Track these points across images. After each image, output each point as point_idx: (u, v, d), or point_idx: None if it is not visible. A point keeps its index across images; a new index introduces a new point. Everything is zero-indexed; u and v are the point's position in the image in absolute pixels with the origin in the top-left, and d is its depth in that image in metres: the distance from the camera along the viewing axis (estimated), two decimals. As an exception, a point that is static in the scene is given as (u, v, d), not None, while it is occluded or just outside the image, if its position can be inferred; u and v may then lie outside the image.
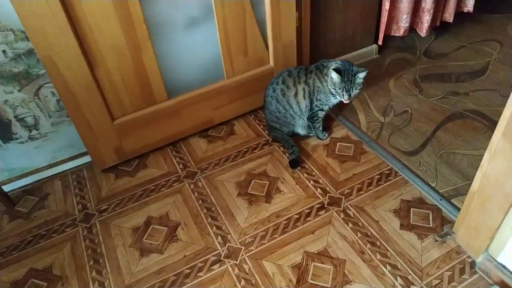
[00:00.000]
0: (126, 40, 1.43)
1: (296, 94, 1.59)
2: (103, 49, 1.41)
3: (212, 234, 1.40)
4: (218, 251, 1.34)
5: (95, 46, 1.39)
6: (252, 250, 1.33)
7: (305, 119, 1.65)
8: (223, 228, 1.41)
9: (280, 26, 1.70)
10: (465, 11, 2.18)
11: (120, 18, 1.38)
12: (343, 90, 1.49)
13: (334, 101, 1.60)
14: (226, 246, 1.35)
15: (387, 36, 2.18)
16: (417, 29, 2.12)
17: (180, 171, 1.65)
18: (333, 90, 1.52)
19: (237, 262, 1.30)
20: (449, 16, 2.14)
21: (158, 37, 1.51)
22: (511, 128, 0.95)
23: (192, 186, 1.58)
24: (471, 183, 1.16)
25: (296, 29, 1.75)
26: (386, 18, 1.94)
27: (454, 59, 2.13)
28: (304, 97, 1.59)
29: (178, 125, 1.73)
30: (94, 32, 1.36)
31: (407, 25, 2.03)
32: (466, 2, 2.15)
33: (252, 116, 1.90)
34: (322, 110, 1.63)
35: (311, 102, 1.60)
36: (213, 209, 1.48)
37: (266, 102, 1.66)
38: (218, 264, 1.30)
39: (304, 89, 1.58)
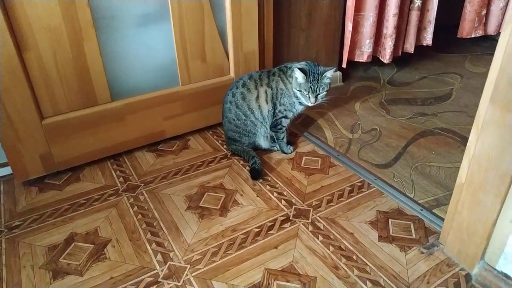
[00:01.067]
0: (65, 22, 1.25)
1: (257, 98, 1.44)
2: (36, 28, 1.22)
3: (150, 251, 1.11)
4: (155, 271, 1.05)
5: (25, 23, 1.20)
6: (200, 269, 1.06)
7: (268, 127, 1.48)
8: (165, 245, 1.13)
9: (241, 34, 1.60)
10: (425, 44, 2.22)
11: (60, -4, 1.22)
12: (309, 91, 1.35)
13: (298, 107, 1.46)
14: (167, 265, 1.07)
15: (351, 64, 2.15)
16: (380, 57, 2.10)
17: (119, 185, 1.39)
18: (298, 93, 1.39)
19: (179, 284, 1.01)
20: (410, 46, 2.16)
21: (106, 31, 1.35)
22: (499, 91, 0.83)
23: (131, 200, 1.31)
24: (452, 193, 1.01)
25: (258, 40, 1.66)
26: (349, 40, 1.91)
27: (418, 86, 2.10)
28: (267, 101, 1.44)
29: (122, 134, 1.50)
30: (26, 5, 1.18)
31: (370, 50, 2.01)
32: (425, 35, 2.20)
33: (210, 132, 1.71)
34: (286, 117, 1.47)
35: (274, 107, 1.45)
36: (154, 224, 1.21)
37: (225, 110, 1.49)
38: (155, 287, 1.01)
39: (266, 92, 1.44)
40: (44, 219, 1.23)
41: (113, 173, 1.45)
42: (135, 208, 1.28)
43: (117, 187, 1.37)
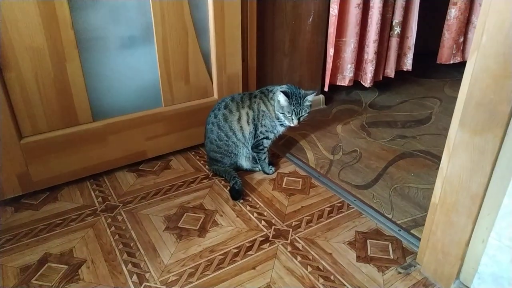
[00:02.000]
0: (48, 42, 1.26)
1: (239, 119, 1.45)
2: (18, 48, 1.22)
3: (126, 272, 1.09)
4: (130, 293, 1.03)
5: (8, 45, 1.21)
6: (176, 290, 1.04)
7: (249, 148, 1.49)
8: (141, 266, 1.11)
9: (225, 57, 1.63)
10: (405, 69, 2.29)
11: (44, 18, 1.23)
12: (292, 114, 1.38)
13: (280, 128, 1.48)
14: (142, 286, 1.05)
15: (333, 88, 2.20)
16: (361, 81, 2.16)
17: (97, 205, 1.37)
18: (281, 115, 1.41)
19: (154, 306, 0.99)
20: (390, 71, 2.22)
21: (89, 52, 1.37)
22: (467, 114, 0.86)
23: (109, 220, 1.29)
24: None
25: (242, 64, 1.70)
26: (331, 65, 1.96)
27: (398, 110, 2.16)
28: (248, 123, 1.46)
29: (103, 154, 1.49)
30: (9, 25, 1.19)
31: (351, 74, 2.06)
32: (405, 61, 2.27)
33: (193, 152, 1.71)
34: (267, 138, 1.49)
35: (256, 128, 1.47)
36: (131, 244, 1.19)
37: (207, 130, 1.50)
38: (128, 309, 0.99)
39: (247, 114, 1.46)
40: (18, 240, 1.21)
41: (92, 193, 1.44)
42: (113, 228, 1.26)
43: (95, 207, 1.35)
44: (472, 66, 0.82)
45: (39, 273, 1.09)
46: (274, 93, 1.45)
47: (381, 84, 2.37)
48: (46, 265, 1.11)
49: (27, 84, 1.28)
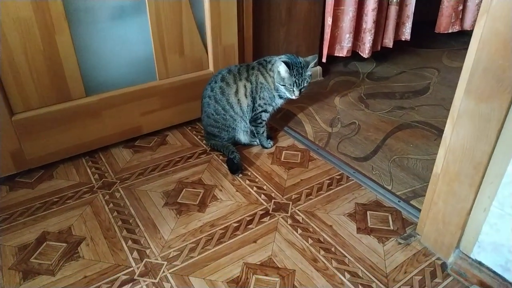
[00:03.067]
0: (35, 13, 1.20)
1: (236, 92, 1.42)
2: (5, 20, 1.16)
3: (126, 249, 1.08)
4: (131, 269, 1.02)
5: (-8, 16, 1.15)
6: (178, 265, 1.03)
7: (247, 122, 1.46)
8: (141, 242, 1.11)
9: (220, 28, 1.58)
10: (403, 39, 2.24)
11: (28, -13, 1.17)
12: (293, 85, 1.34)
13: (278, 101, 1.45)
14: (143, 262, 1.04)
15: (331, 59, 2.15)
16: (359, 51, 2.11)
17: (94, 182, 1.35)
18: (281, 87, 1.37)
19: (156, 281, 0.99)
20: (388, 41, 2.18)
21: (80, 23, 1.31)
22: (473, 81, 0.83)
23: (107, 197, 1.28)
24: (428, 185, 1.02)
25: (238, 34, 1.64)
26: (329, 35, 1.91)
27: (396, 81, 2.13)
28: (246, 95, 1.42)
29: (97, 130, 1.46)
30: (-8, -4, 1.13)
31: (349, 45, 2.01)
32: (404, 30, 2.22)
33: (189, 128, 1.69)
34: (265, 111, 1.46)
35: (254, 101, 1.44)
36: (130, 221, 1.18)
37: (204, 104, 1.47)
38: (130, 284, 0.98)
39: (245, 86, 1.42)
40: (14, 219, 1.19)
41: (88, 170, 1.41)
42: (111, 205, 1.24)
43: (92, 185, 1.34)
44: (480, 30, 0.79)
45: (37, 251, 1.08)
46: (273, 64, 1.41)
47: (379, 54, 2.32)
48: (45, 243, 1.10)
49: (15, 58, 1.23)
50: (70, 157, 1.45)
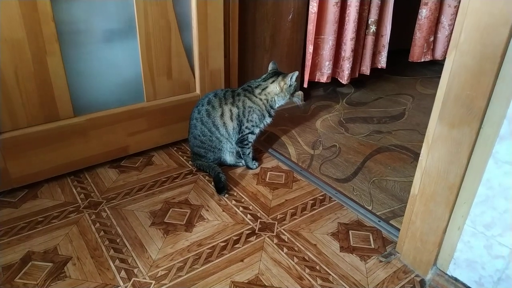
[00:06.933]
0: (28, 35, 1.23)
1: (222, 115, 1.47)
2: (-4, 41, 1.19)
3: (113, 268, 1.09)
4: (119, 288, 1.03)
5: (-15, 37, 1.17)
6: (166, 284, 1.04)
7: (233, 143, 1.51)
8: (129, 261, 1.11)
9: (207, 52, 1.64)
10: (379, 67, 2.37)
11: (24, 9, 1.19)
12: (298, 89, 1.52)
13: (267, 120, 1.53)
14: (131, 282, 1.05)
15: (312, 85, 2.25)
16: (338, 78, 2.22)
17: (80, 201, 1.35)
18: (295, 98, 1.57)
19: (144, 300, 1.00)
20: (366, 69, 2.30)
21: (71, 45, 1.34)
22: (446, 109, 0.91)
23: (93, 216, 1.28)
24: (406, 205, 1.09)
25: (224, 59, 1.71)
26: (310, 61, 2.00)
27: (374, 106, 2.23)
28: (232, 119, 1.47)
29: (84, 149, 1.46)
30: (-14, 18, 1.15)
31: (329, 71, 2.11)
32: (380, 58, 2.35)
33: (175, 148, 1.71)
34: (252, 133, 1.51)
35: (241, 124, 1.49)
36: (117, 240, 1.19)
37: (191, 126, 1.51)
38: (118, 304, 0.99)
39: (231, 111, 1.47)
40: (-3, 239, 1.17)
41: (74, 189, 1.41)
42: (97, 225, 1.25)
43: (77, 204, 1.33)
44: (450, 63, 0.87)
45: (22, 271, 1.06)
46: (263, 89, 1.48)
47: (357, 81, 2.44)
48: (30, 263, 1.09)
49: (6, 78, 1.24)
50: (55, 176, 1.45)
